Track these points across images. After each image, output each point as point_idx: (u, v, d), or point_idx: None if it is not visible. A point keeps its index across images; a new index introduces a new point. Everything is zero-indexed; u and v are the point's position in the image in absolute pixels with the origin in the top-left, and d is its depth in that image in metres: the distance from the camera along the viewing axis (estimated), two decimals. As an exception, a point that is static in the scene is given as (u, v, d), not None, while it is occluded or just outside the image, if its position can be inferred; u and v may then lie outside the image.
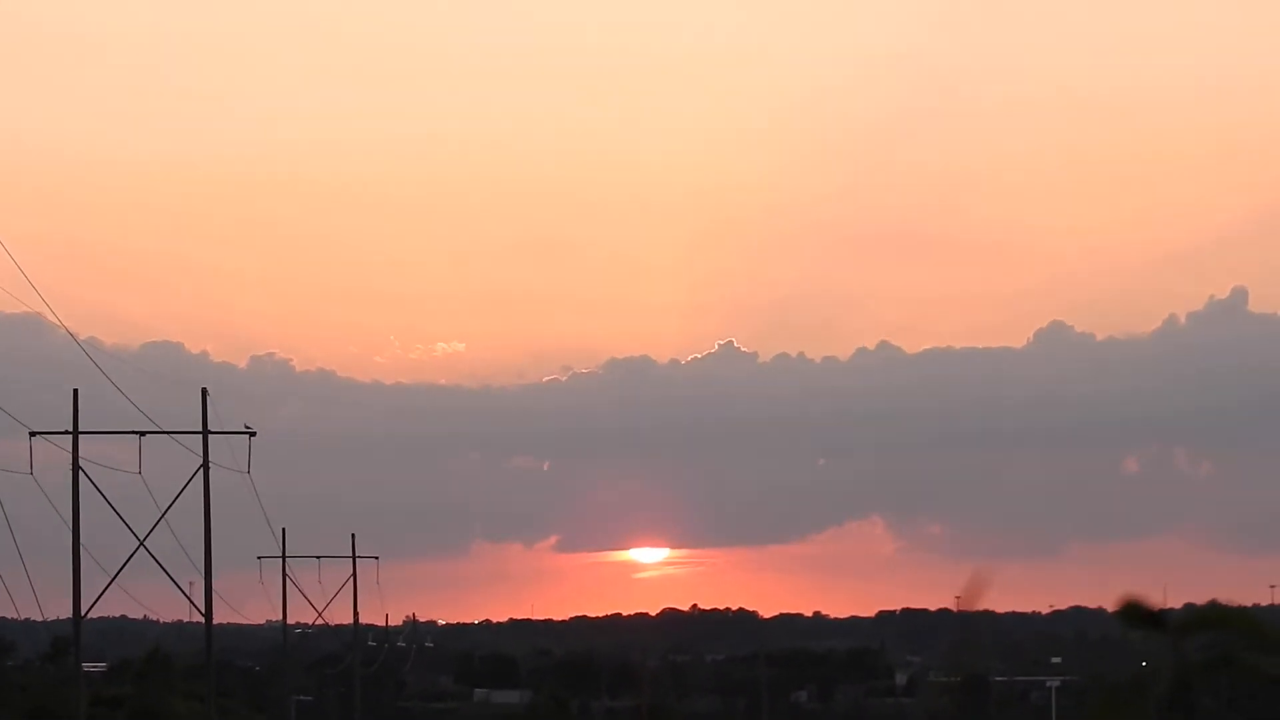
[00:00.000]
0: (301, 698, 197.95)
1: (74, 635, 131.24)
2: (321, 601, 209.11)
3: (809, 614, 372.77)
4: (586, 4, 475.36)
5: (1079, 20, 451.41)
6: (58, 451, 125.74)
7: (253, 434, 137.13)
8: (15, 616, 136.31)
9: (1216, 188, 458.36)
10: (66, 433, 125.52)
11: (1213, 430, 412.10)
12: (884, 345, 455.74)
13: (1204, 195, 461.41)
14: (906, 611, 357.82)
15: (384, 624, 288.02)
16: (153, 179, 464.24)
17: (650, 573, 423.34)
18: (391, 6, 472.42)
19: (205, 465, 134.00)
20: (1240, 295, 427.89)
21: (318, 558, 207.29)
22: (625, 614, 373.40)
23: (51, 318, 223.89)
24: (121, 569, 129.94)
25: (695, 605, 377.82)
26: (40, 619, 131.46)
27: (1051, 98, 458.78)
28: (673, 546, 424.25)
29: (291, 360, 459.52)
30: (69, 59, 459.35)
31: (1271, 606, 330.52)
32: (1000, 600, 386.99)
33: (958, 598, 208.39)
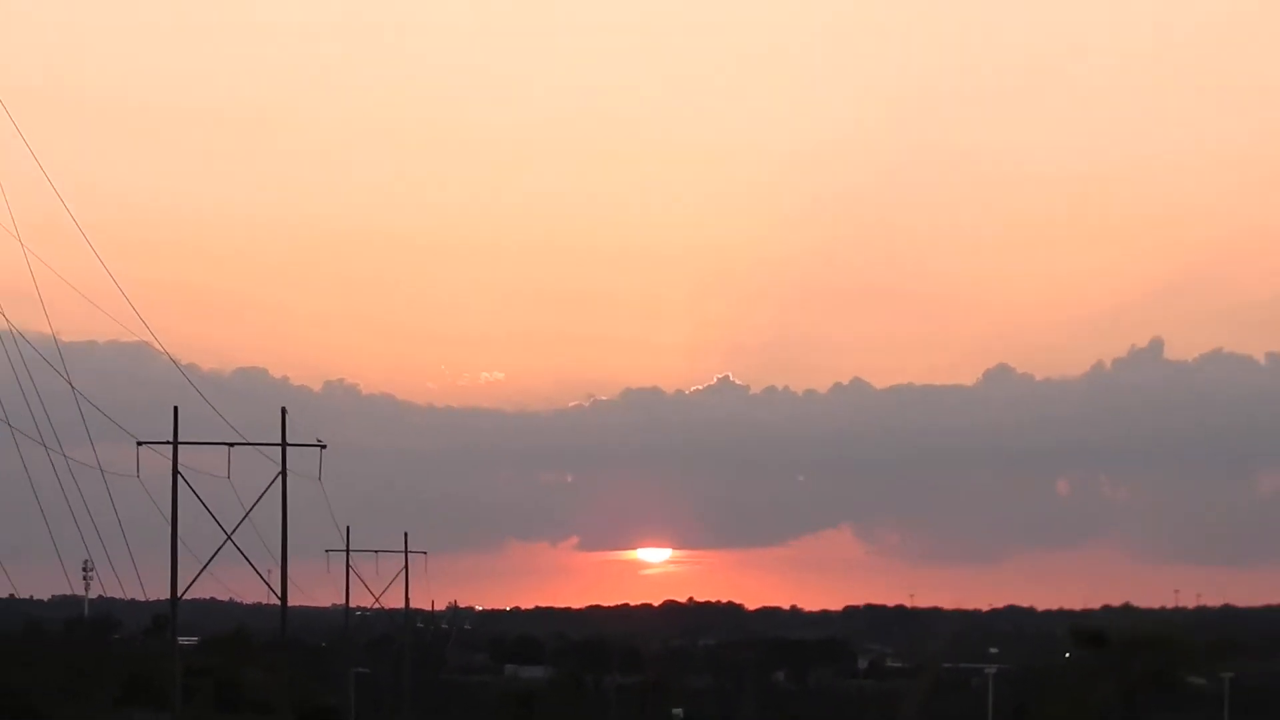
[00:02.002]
0: (359, 670, 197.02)
1: (171, 614, 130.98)
2: (378, 589, 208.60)
3: (787, 607, 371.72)
4: (608, 96, 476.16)
5: (1022, 109, 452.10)
6: (160, 459, 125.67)
7: (323, 446, 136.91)
8: (122, 596, 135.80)
9: (1138, 252, 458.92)
10: (168, 443, 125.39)
11: (1131, 458, 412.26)
12: (856, 381, 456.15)
13: (1127, 258, 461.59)
14: (869, 606, 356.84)
15: (430, 609, 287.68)
16: (244, 230, 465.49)
17: (655, 570, 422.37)
18: (454, 100, 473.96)
19: (283, 472, 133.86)
20: (1157, 345, 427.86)
21: (376, 552, 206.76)
22: (633, 604, 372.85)
23: (157, 346, 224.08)
24: (211, 559, 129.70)
25: (692, 598, 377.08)
26: (143, 599, 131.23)
27: (1000, 173, 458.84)
28: (674, 547, 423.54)
29: (358, 385, 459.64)
30: (177, 128, 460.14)
31: (1177, 609, 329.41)
32: (948, 598, 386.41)
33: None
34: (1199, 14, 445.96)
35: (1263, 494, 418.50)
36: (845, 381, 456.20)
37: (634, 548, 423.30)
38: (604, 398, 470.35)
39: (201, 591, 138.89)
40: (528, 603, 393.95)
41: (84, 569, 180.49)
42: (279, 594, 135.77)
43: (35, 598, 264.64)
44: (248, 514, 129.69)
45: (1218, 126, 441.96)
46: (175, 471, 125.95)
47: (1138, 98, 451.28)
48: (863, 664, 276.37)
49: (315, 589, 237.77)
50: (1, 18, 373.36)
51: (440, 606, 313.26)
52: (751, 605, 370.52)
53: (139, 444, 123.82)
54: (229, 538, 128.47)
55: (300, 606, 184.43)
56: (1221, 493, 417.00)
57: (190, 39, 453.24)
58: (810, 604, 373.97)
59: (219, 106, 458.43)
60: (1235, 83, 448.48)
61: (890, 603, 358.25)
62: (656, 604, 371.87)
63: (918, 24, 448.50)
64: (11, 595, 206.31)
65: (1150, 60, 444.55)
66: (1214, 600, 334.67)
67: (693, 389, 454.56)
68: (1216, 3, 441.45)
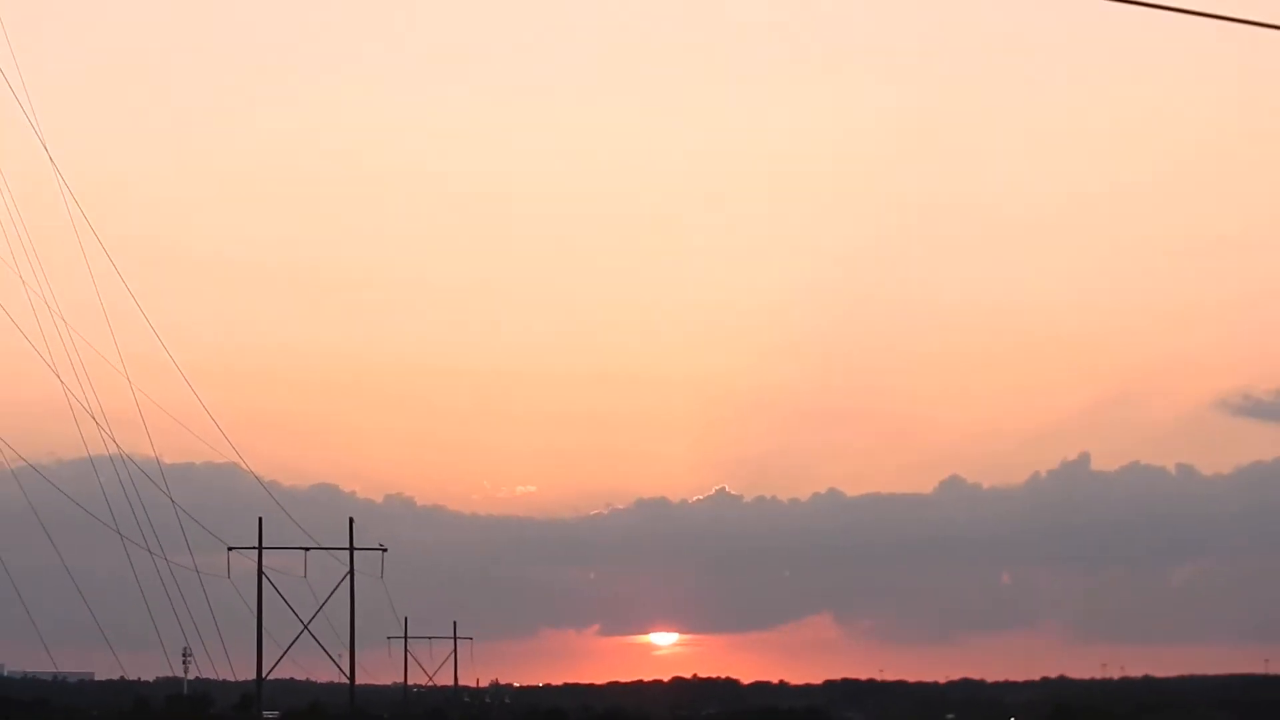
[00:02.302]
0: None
1: (256, 692, 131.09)
2: (432, 670, 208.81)
3: (776, 682, 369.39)
4: (623, 256, 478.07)
5: (965, 257, 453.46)
6: (247, 562, 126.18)
7: (384, 550, 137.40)
8: (215, 677, 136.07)
9: (1065, 378, 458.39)
10: (254, 548, 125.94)
11: (1065, 554, 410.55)
12: (831, 490, 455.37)
13: (1057, 383, 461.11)
14: (845, 680, 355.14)
15: (476, 685, 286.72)
16: (319, 367, 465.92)
17: (664, 651, 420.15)
18: (489, 258, 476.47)
19: (351, 573, 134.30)
20: (1085, 458, 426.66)
21: (429, 638, 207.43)
22: (646, 680, 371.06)
23: (245, 466, 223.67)
24: (291, 645, 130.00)
25: (695, 674, 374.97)
26: (233, 679, 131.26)
27: (948, 312, 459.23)
28: (681, 632, 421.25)
29: (414, 497, 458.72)
30: (258, 279, 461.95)
31: (1105, 680, 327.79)
32: (912, 672, 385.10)
33: None
34: (1112, 170, 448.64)
35: (1174, 583, 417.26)
36: (822, 491, 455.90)
37: (647, 632, 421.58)
38: (620, 506, 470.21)
39: (282, 673, 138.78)
40: (557, 680, 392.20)
41: (183, 654, 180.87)
42: (348, 674, 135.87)
43: (142, 679, 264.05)
44: (321, 607, 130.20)
45: (1136, 270, 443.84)
46: (260, 572, 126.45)
47: (1065, 244, 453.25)
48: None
49: (378, 670, 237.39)
50: (107, 181, 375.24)
51: (484, 684, 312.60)
52: (746, 680, 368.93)
53: (229, 549, 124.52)
54: (305, 628, 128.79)
55: (366, 685, 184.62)
56: (1139, 582, 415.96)
57: (272, 203, 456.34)
58: (796, 679, 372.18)
59: (294, 262, 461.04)
60: (1144, 232, 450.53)
61: (863, 676, 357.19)
62: (666, 680, 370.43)
63: (876, 190, 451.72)
64: (122, 677, 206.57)
65: (1069, 213, 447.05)
66: (1136, 672, 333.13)
67: (695, 498, 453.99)
68: (1125, 160, 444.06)
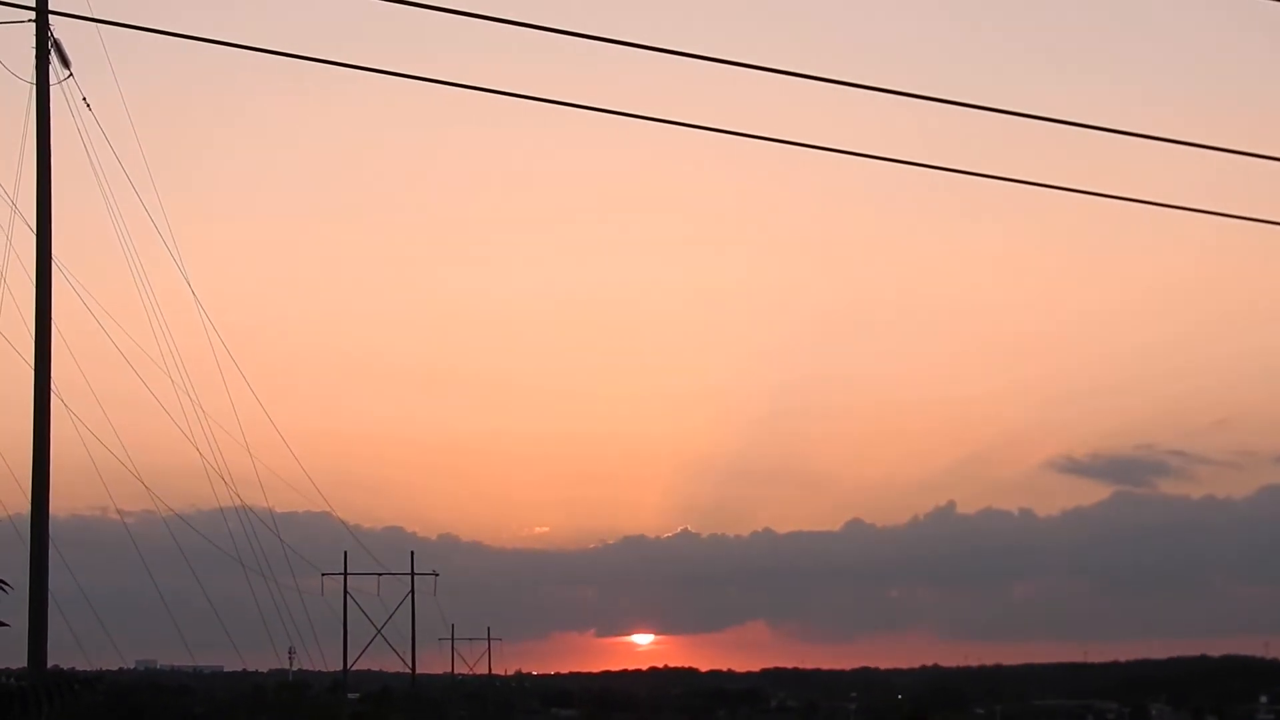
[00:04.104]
0: (461, 715, 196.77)
1: (343, 679, 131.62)
2: (473, 662, 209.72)
3: (725, 670, 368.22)
4: (607, 338, 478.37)
5: (861, 349, 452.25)
6: (336, 584, 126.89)
7: (437, 575, 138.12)
8: (312, 668, 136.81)
9: (936, 443, 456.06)
10: (340, 574, 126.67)
11: (937, 575, 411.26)
12: (767, 529, 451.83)
13: (930, 447, 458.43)
14: (776, 668, 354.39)
15: (505, 673, 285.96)
16: (389, 436, 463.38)
17: (643, 648, 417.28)
18: (507, 352, 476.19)
19: (412, 591, 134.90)
20: (952, 504, 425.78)
21: (470, 639, 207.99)
22: (629, 669, 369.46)
23: (335, 514, 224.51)
24: (368, 645, 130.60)
25: (666, 664, 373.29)
26: (325, 670, 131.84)
27: (852, 394, 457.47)
28: (656, 634, 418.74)
29: (459, 535, 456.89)
30: (336, 369, 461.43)
31: (967, 667, 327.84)
32: (824, 662, 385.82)
33: None
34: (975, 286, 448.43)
35: (1017, 596, 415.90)
36: (760, 529, 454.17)
37: (631, 634, 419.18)
38: (610, 541, 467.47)
39: (362, 665, 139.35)
40: (565, 669, 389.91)
41: (289, 652, 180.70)
42: (411, 667, 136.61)
43: (258, 670, 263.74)
44: (390, 617, 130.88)
45: (986, 360, 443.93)
46: (345, 591, 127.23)
47: (931, 342, 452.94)
48: (773, 705, 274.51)
49: (433, 663, 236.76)
50: (237, 296, 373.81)
51: (510, 673, 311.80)
52: (703, 668, 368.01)
53: (323, 575, 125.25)
54: (379, 632, 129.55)
55: (423, 674, 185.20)
56: (992, 594, 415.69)
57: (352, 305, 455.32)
58: (740, 668, 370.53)
59: (372, 354, 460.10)
60: (988, 331, 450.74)
61: (789, 665, 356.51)
62: (644, 669, 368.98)
63: (791, 300, 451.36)
64: (244, 669, 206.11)
65: (937, 317, 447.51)
66: (990, 662, 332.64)
67: (665, 535, 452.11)
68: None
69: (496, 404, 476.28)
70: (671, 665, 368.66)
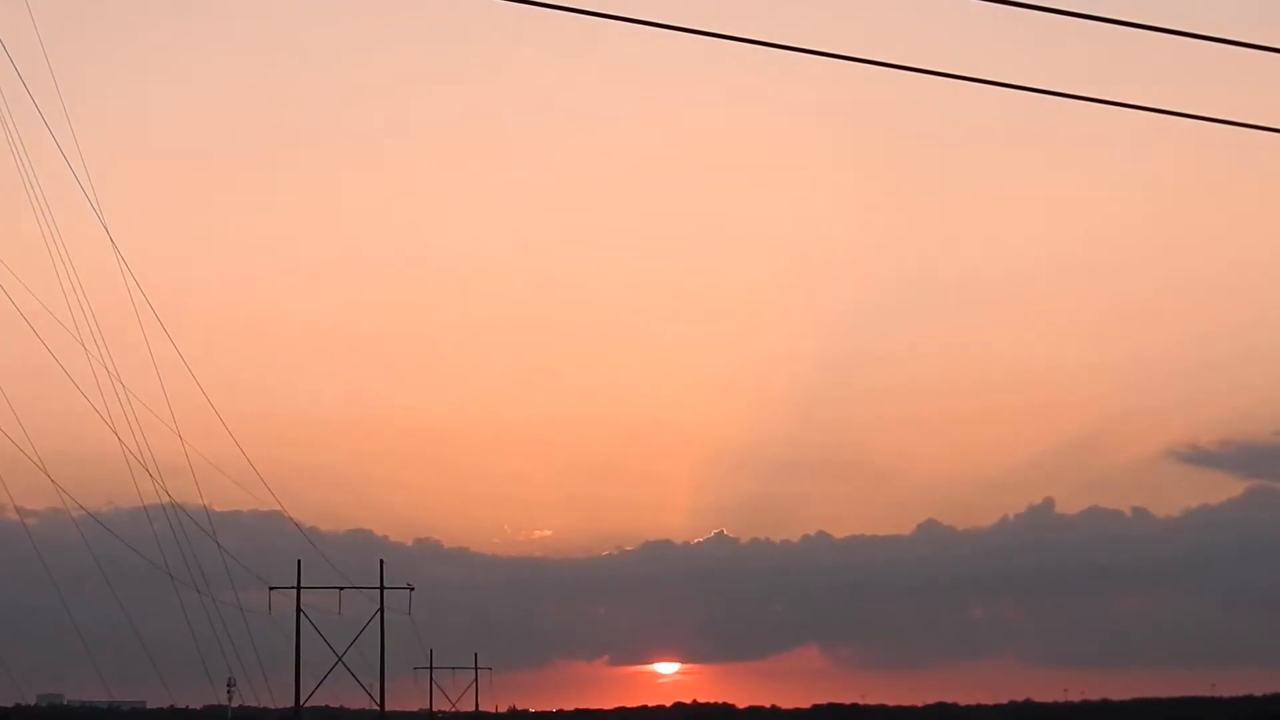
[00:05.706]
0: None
1: (295, 718, 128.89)
2: (455, 696, 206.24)
3: (768, 706, 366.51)
4: (638, 320, 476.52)
5: (940, 321, 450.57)
6: (287, 600, 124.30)
7: (412, 589, 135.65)
8: (257, 705, 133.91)
9: (1030, 430, 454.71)
10: (293, 588, 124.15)
11: (1029, 589, 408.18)
12: (820, 533, 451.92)
13: (1022, 435, 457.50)
14: (831, 704, 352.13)
15: (495, 710, 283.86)
16: (356, 422, 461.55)
17: (667, 679, 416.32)
18: (509, 326, 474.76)
19: (381, 609, 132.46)
20: (1049, 503, 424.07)
21: (453, 668, 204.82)
22: (650, 705, 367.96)
23: (287, 514, 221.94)
24: (326, 675, 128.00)
25: (695, 700, 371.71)
26: (273, 707, 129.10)
27: (925, 373, 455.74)
28: (682, 662, 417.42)
29: (440, 540, 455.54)
30: (299, 338, 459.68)
31: (1066, 703, 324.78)
32: (891, 697, 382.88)
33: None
34: (1062, 242, 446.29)
35: (1125, 613, 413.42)
36: (812, 533, 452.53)
37: (651, 662, 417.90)
38: (628, 548, 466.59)
39: (318, 700, 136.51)
40: (570, 706, 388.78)
41: (228, 684, 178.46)
42: (378, 702, 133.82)
43: (190, 707, 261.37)
44: (354, 641, 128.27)
45: (1092, 332, 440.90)
46: (299, 610, 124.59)
47: (1026, 312, 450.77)
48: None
49: (406, 698, 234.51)
50: (163, 253, 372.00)
51: (503, 709, 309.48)
52: (741, 705, 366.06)
53: (270, 589, 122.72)
54: (340, 660, 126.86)
55: (395, 711, 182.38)
56: (1096, 613, 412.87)
57: (315, 277, 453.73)
58: (786, 704, 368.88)
59: (333, 328, 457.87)
60: (1095, 297, 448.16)
61: (847, 701, 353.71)
62: (668, 705, 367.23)
63: (858, 266, 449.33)
64: (171, 705, 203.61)
65: (1032, 282, 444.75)
66: (1094, 696, 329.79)
67: (695, 540, 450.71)
68: (1075, 232, 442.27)
69: (486, 381, 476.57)
70: (702, 701, 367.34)
